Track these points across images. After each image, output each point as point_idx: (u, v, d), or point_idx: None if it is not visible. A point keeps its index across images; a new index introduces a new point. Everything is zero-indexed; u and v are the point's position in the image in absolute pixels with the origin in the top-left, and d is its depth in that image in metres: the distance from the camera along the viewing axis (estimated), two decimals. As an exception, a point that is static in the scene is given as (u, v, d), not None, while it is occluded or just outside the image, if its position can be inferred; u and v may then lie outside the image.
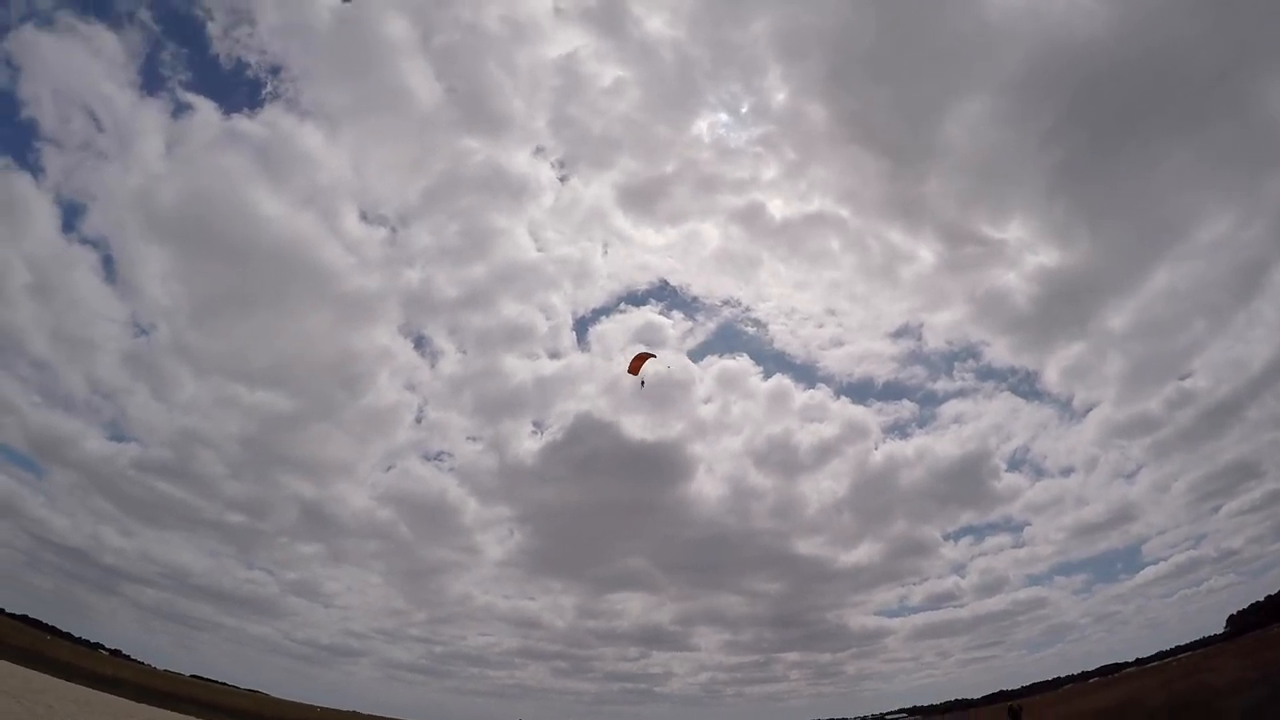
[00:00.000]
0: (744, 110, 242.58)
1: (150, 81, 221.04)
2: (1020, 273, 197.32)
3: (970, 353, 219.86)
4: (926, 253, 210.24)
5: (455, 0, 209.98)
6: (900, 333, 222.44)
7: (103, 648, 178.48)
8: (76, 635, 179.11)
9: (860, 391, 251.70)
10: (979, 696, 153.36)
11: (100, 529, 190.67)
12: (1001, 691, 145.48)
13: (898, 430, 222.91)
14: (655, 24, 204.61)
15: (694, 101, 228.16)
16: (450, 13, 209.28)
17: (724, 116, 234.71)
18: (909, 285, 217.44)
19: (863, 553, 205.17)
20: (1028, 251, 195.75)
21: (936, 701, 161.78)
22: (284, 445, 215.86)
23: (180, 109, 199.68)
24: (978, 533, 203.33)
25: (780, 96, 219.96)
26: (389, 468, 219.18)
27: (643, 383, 70.04)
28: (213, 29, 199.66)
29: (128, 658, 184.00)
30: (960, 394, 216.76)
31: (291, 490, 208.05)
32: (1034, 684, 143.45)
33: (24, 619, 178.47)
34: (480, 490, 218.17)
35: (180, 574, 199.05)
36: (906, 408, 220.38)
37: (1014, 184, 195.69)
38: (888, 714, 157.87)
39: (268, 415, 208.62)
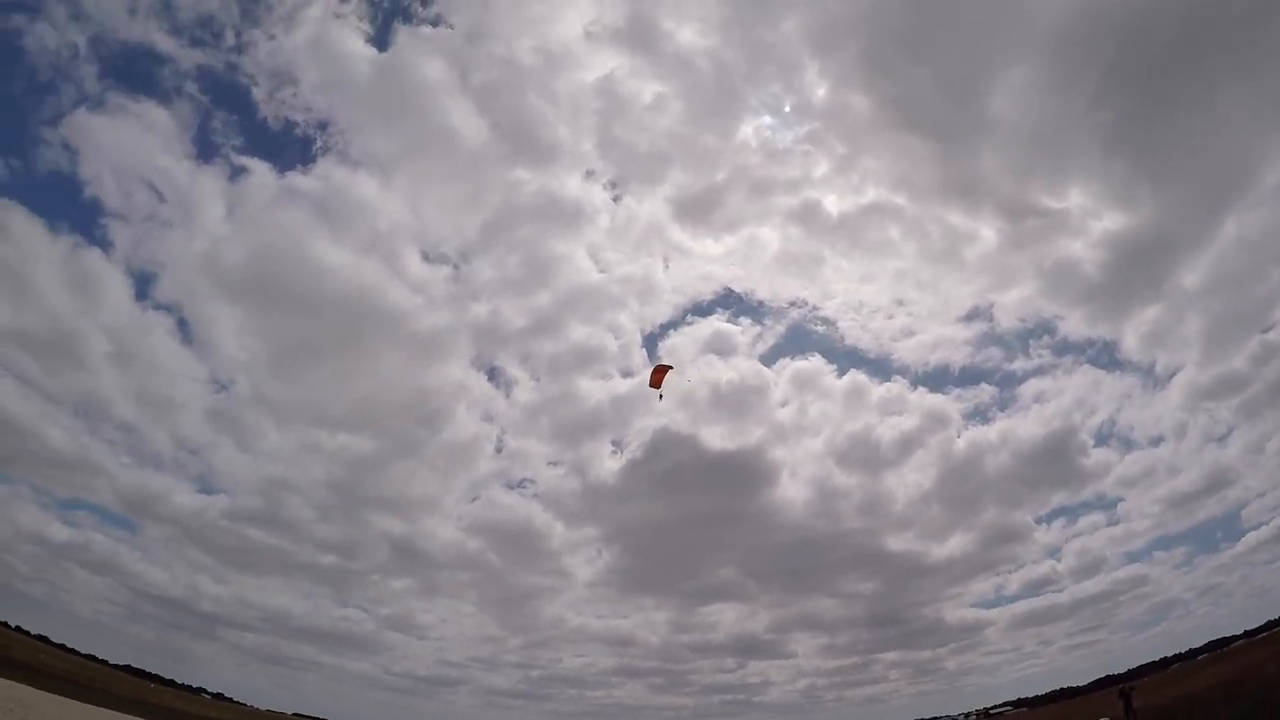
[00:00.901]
0: (787, 110, 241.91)
1: (204, 149, 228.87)
2: (1086, 240, 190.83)
3: (1045, 328, 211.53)
4: (988, 231, 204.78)
5: (487, 37, 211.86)
6: (971, 315, 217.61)
7: (205, 692, 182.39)
8: (180, 682, 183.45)
9: (937, 380, 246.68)
10: (1085, 683, 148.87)
11: (197, 578, 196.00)
12: (1109, 676, 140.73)
13: (979, 415, 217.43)
14: (687, 35, 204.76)
15: (736, 107, 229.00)
16: (484, 50, 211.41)
17: (768, 119, 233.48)
18: (975, 266, 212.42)
19: (955, 544, 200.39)
20: (1091, 218, 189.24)
21: (1041, 692, 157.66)
22: (369, 485, 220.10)
23: (236, 173, 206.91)
24: (1070, 513, 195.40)
25: (821, 91, 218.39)
26: (474, 499, 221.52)
27: (661, 396, 69.39)
28: (257, 93, 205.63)
29: (231, 700, 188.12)
30: (1039, 372, 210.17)
31: (380, 528, 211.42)
32: (1142, 666, 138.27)
33: (128, 669, 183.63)
34: (565, 514, 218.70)
35: (277, 617, 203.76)
36: (985, 391, 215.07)
37: (1068, 150, 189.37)
38: (992, 708, 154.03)
39: (351, 458, 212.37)
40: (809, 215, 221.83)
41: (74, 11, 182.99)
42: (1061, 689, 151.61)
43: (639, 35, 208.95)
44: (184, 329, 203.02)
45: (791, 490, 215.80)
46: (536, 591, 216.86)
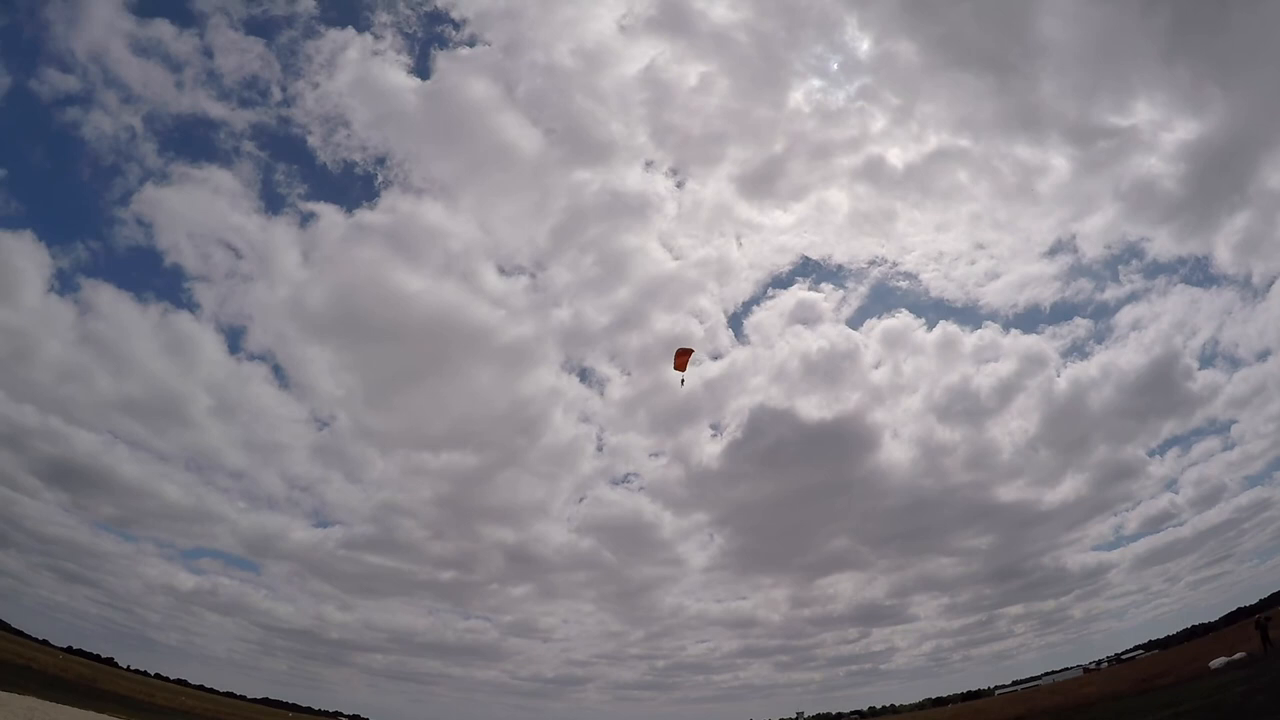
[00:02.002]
0: (834, 69, 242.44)
1: (271, 202, 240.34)
2: (1161, 154, 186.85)
3: (1132, 252, 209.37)
4: (1059, 160, 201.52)
5: (524, 48, 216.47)
6: (1054, 249, 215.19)
7: (342, 715, 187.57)
8: (317, 708, 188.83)
9: (1028, 320, 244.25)
10: (1217, 618, 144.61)
11: (322, 608, 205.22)
12: (1240, 609, 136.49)
13: (1076, 351, 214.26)
14: (720, 11, 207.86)
15: (783, 74, 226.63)
16: (524, 61, 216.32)
17: (816, 81, 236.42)
18: (1050, 198, 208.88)
19: (1067, 488, 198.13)
20: (1162, 130, 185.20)
21: (1173, 631, 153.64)
22: (478, 499, 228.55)
23: (305, 219, 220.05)
24: (1183, 442, 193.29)
25: (864, 45, 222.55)
26: (581, 499, 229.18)
27: (683, 381, 69.30)
28: (313, 141, 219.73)
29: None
30: (1132, 298, 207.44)
31: (493, 539, 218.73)
32: (1275, 594, 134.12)
33: (266, 701, 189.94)
34: (673, 502, 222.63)
35: (404, 635, 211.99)
36: (1080, 326, 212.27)
37: (1127, 62, 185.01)
38: (1124, 654, 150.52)
39: (457, 474, 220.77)
40: (874, 171, 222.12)
41: (124, 96, 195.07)
42: (1193, 626, 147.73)
43: (672, 20, 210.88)
44: (279, 374, 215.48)
45: (895, 452, 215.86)
46: (653, 583, 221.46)
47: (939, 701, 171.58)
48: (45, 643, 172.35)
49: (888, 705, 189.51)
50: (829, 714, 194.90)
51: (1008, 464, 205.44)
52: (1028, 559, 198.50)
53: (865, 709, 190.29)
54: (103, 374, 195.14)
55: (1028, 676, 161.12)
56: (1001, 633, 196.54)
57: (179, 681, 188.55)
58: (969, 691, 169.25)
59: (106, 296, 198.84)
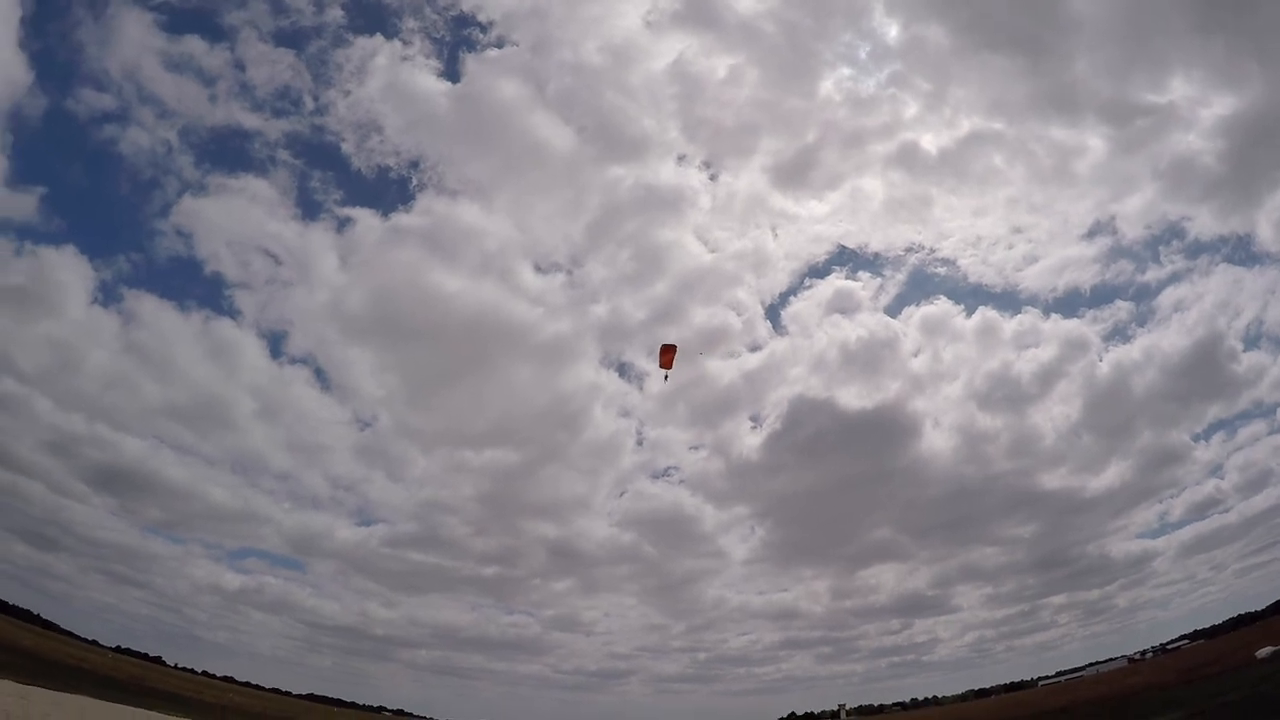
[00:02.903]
0: (863, 57, 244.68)
1: (308, 209, 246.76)
2: (1200, 131, 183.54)
3: (1173, 232, 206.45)
4: (1095, 140, 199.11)
5: (551, 47, 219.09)
6: (1093, 231, 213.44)
7: (386, 709, 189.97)
8: (361, 703, 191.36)
9: (1069, 304, 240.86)
10: (1264, 607, 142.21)
11: (366, 605, 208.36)
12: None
13: (1118, 334, 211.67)
14: (746, 2, 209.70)
15: (812, 64, 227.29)
16: (552, 60, 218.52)
17: (846, 70, 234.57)
18: (1088, 179, 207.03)
19: (1111, 474, 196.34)
20: (1199, 106, 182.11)
21: (1219, 620, 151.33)
22: (520, 495, 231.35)
23: (342, 224, 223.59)
24: (1229, 426, 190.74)
25: (893, 31, 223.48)
26: (622, 493, 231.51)
27: (666, 377, 69.54)
28: (346, 147, 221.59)
29: (410, 715, 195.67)
30: (1174, 279, 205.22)
31: (535, 534, 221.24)
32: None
33: (311, 697, 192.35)
34: (714, 495, 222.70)
35: (447, 631, 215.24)
36: (1121, 308, 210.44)
37: (1161, 38, 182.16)
38: (1169, 644, 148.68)
39: (498, 471, 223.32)
40: (908, 158, 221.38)
41: (159, 111, 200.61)
42: (1239, 615, 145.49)
43: (699, 13, 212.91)
44: (321, 377, 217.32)
45: (936, 440, 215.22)
46: (695, 575, 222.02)
47: (982, 693, 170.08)
48: (95, 643, 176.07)
49: (930, 697, 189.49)
50: (871, 706, 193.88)
51: (1050, 451, 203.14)
52: (1071, 547, 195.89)
53: (908, 700, 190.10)
54: (147, 381, 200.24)
55: (1071, 667, 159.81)
56: (1045, 623, 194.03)
57: (226, 678, 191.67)
58: (1012, 683, 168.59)
59: (149, 306, 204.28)
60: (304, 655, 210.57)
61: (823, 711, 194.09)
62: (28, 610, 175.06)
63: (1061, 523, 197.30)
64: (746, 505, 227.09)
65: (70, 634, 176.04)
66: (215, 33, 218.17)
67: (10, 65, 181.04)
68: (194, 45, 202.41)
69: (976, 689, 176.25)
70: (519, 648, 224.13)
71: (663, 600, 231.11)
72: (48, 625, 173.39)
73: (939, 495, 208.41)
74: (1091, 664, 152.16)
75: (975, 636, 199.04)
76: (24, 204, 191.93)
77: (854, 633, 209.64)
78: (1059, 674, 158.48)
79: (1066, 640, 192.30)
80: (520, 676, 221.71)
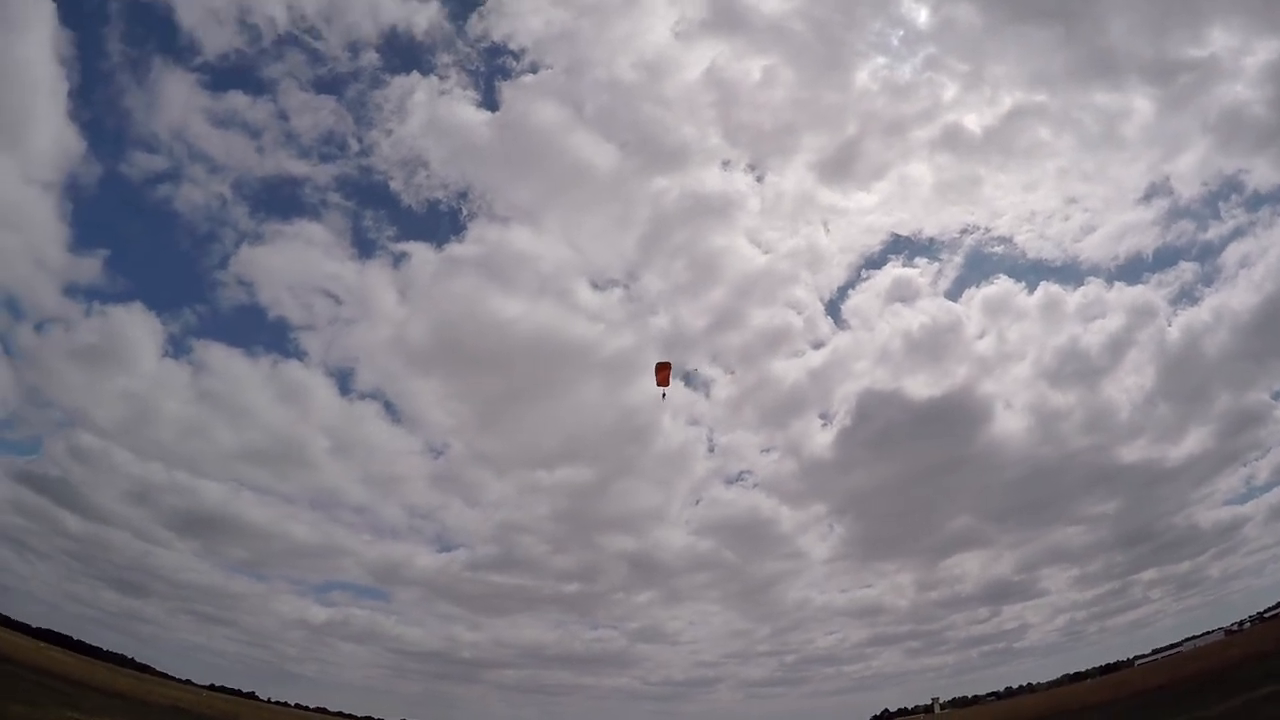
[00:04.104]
0: (896, 44, 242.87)
1: (363, 247, 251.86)
2: (1246, 80, 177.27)
3: (1231, 186, 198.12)
4: (1141, 101, 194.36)
5: (585, 68, 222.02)
6: (1149, 194, 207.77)
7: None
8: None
9: (1132, 271, 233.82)
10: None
11: (452, 629, 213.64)
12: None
13: (1185, 297, 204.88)
14: (772, 3, 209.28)
15: (845, 56, 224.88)
16: (587, 80, 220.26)
17: (881, 59, 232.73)
18: (1138, 142, 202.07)
19: (1192, 442, 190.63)
20: (1243, 55, 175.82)
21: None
22: (595, 510, 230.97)
23: (398, 259, 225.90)
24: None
25: (923, 14, 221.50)
26: (697, 501, 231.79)
27: (664, 395, 69.50)
28: (395, 185, 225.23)
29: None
30: (1237, 234, 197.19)
31: (614, 549, 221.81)
32: None
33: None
34: (789, 496, 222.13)
35: (533, 649, 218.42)
36: (1186, 270, 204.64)
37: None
38: (1266, 612, 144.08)
39: (572, 489, 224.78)
40: (953, 140, 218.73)
41: (210, 167, 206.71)
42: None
43: (725, 19, 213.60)
44: (391, 410, 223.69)
45: (1009, 422, 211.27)
46: (776, 578, 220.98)
47: (1077, 677, 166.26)
48: (189, 682, 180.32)
49: (1024, 685, 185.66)
50: (965, 698, 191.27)
51: (1127, 423, 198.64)
52: (1157, 520, 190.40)
53: (1001, 690, 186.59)
54: (222, 427, 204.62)
55: (1167, 644, 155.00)
56: (1136, 600, 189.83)
57: (319, 710, 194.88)
58: (1107, 664, 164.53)
59: (217, 354, 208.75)
60: (393, 682, 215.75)
61: (916, 706, 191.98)
62: (121, 654, 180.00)
63: (1144, 496, 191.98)
64: (823, 503, 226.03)
65: (164, 674, 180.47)
66: (256, 86, 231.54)
67: (63, 136, 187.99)
68: (237, 100, 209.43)
69: (1071, 673, 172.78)
70: (605, 662, 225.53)
71: (746, 605, 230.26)
72: (142, 668, 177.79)
73: (1016, 478, 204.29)
74: (1188, 639, 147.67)
75: (1066, 619, 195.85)
76: (89, 267, 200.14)
77: (942, 624, 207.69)
78: (1155, 652, 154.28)
79: (1160, 616, 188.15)
80: (609, 690, 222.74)
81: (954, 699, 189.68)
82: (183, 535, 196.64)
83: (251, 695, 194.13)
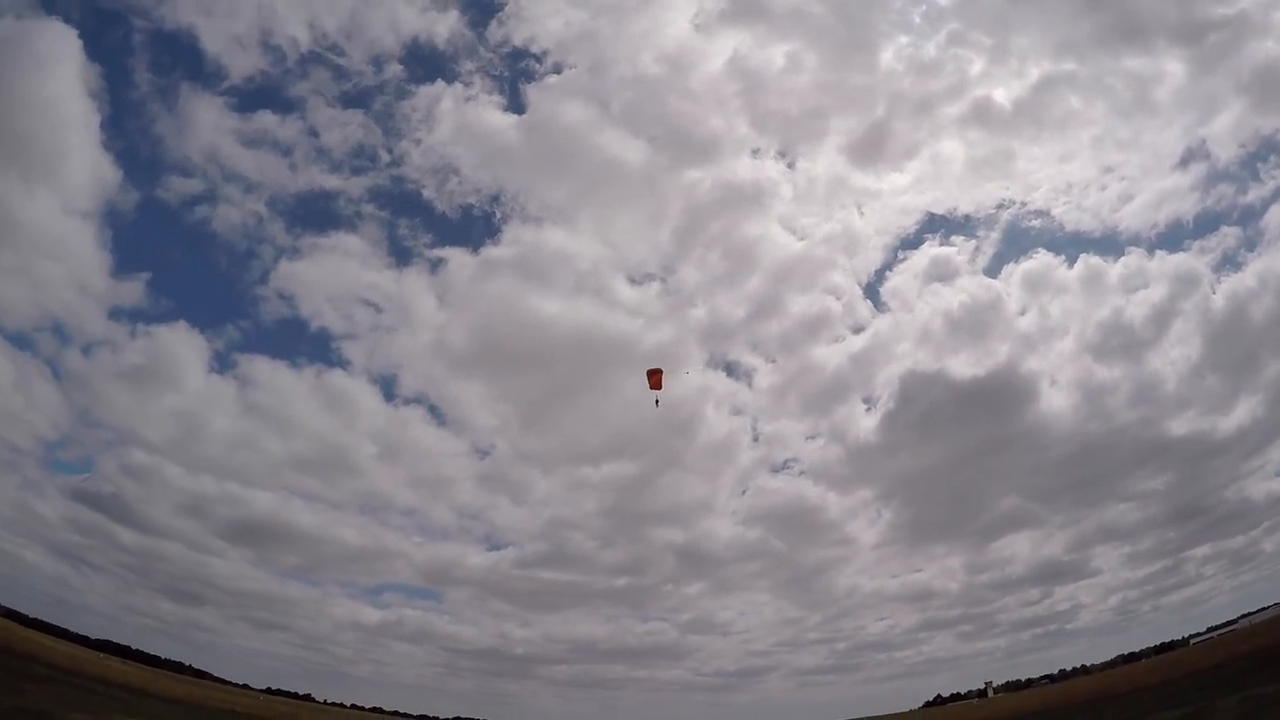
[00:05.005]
0: (919, 21, 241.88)
1: (399, 256, 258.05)
2: (1278, 36, 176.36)
3: (1269, 146, 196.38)
4: (1171, 64, 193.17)
5: (608, 66, 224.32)
6: (1186, 158, 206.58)
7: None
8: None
9: (1172, 238, 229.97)
10: None
11: (504, 627, 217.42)
12: None
13: (1229, 263, 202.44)
14: None
15: (869, 36, 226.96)
16: (611, 78, 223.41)
17: (904, 38, 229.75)
18: (1171, 105, 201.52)
19: (1242, 412, 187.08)
20: (1272, 9, 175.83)
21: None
22: (642, 504, 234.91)
23: (435, 265, 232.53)
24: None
25: None
26: (743, 491, 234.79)
27: (657, 401, 70.12)
28: (427, 193, 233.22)
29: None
30: (1278, 196, 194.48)
31: (662, 541, 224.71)
32: None
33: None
34: (835, 482, 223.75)
35: (585, 644, 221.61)
36: (1228, 235, 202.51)
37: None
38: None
39: (619, 483, 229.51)
40: (983, 114, 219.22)
41: (244, 186, 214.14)
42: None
43: (744, 7, 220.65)
44: (435, 414, 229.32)
45: (1055, 399, 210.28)
46: (825, 565, 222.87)
47: (1131, 657, 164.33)
48: (245, 686, 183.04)
49: (1078, 666, 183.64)
50: (1018, 681, 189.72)
51: (1175, 395, 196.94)
52: (1209, 494, 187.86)
53: (1055, 672, 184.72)
54: (270, 438, 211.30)
55: (1223, 621, 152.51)
56: (1190, 577, 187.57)
57: (375, 709, 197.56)
58: (1162, 644, 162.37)
59: (262, 368, 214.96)
60: (447, 681, 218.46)
61: (969, 691, 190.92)
62: (180, 662, 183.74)
63: (1195, 469, 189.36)
64: (870, 488, 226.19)
65: (222, 680, 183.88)
66: (284, 105, 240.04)
67: (98, 167, 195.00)
68: (266, 120, 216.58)
69: (1125, 654, 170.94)
70: (658, 654, 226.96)
71: (796, 593, 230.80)
72: (200, 674, 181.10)
73: (1064, 456, 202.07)
74: (1244, 615, 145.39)
75: (1119, 599, 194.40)
76: (132, 291, 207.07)
77: (993, 607, 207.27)
78: (1210, 630, 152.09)
79: (1215, 593, 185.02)
80: (662, 683, 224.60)
81: (1007, 682, 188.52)
82: (235, 544, 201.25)
83: (308, 697, 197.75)
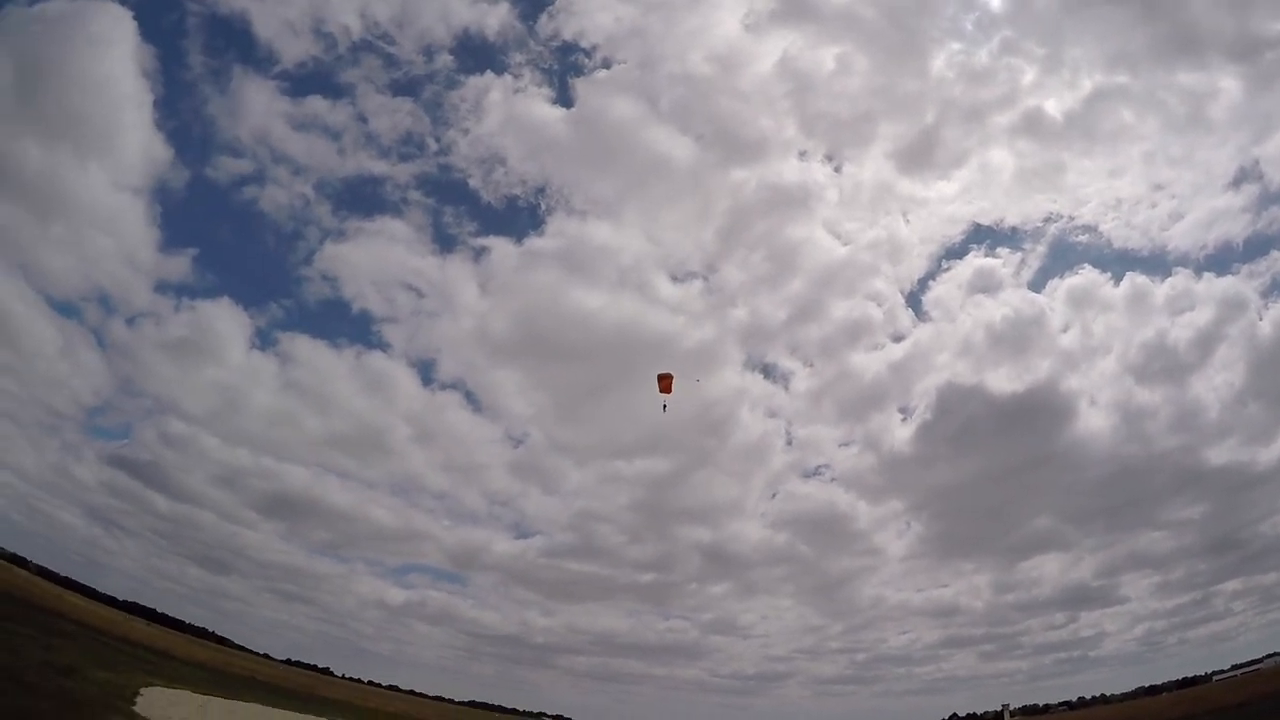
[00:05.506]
0: (970, 28, 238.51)
1: (444, 242, 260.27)
2: None
3: None
4: (1227, 80, 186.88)
5: (657, 63, 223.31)
6: (1239, 178, 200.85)
7: (546, 715, 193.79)
8: (522, 709, 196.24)
9: (1221, 260, 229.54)
10: None
11: (526, 614, 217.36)
12: None
13: (1278, 289, 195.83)
14: None
15: (920, 42, 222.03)
16: (660, 74, 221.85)
17: (956, 45, 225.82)
18: (1225, 123, 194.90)
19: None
20: None
21: None
22: (672, 501, 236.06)
23: (478, 254, 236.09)
24: None
25: None
26: (774, 494, 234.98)
27: (665, 406, 69.86)
28: (474, 182, 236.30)
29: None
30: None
31: (690, 540, 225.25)
32: None
33: (473, 704, 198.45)
34: (867, 491, 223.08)
35: (606, 637, 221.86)
36: (1278, 260, 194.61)
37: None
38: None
39: (650, 480, 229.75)
40: (1033, 125, 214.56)
41: (293, 168, 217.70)
42: None
43: (795, 8, 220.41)
44: (472, 400, 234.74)
45: (1094, 420, 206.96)
46: (851, 574, 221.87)
47: (1153, 690, 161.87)
48: (267, 656, 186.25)
49: (1098, 695, 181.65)
50: (1036, 706, 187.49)
51: (1216, 423, 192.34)
52: (1245, 527, 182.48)
53: (1074, 700, 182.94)
54: (308, 415, 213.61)
55: (1249, 660, 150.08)
56: (1219, 611, 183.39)
57: (391, 687, 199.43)
58: (1184, 678, 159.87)
59: (303, 347, 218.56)
60: (466, 664, 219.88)
61: (986, 712, 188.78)
62: (203, 628, 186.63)
63: (1233, 501, 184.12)
64: (901, 499, 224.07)
65: (243, 648, 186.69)
66: (335, 91, 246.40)
67: (151, 145, 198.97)
68: (317, 105, 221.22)
69: (1146, 685, 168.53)
70: (677, 652, 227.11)
71: (819, 600, 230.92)
72: (222, 641, 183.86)
73: (1099, 478, 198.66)
74: (1271, 655, 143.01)
75: (1144, 629, 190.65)
76: (178, 266, 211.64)
77: (1017, 628, 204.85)
78: (1234, 668, 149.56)
79: (1242, 630, 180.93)
80: (679, 681, 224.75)
81: (1024, 706, 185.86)
82: (268, 517, 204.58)
83: (327, 671, 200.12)
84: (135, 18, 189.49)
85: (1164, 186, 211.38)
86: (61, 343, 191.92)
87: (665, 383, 70.25)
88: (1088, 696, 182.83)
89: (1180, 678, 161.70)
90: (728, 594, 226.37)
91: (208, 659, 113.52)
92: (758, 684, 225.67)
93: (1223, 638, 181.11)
